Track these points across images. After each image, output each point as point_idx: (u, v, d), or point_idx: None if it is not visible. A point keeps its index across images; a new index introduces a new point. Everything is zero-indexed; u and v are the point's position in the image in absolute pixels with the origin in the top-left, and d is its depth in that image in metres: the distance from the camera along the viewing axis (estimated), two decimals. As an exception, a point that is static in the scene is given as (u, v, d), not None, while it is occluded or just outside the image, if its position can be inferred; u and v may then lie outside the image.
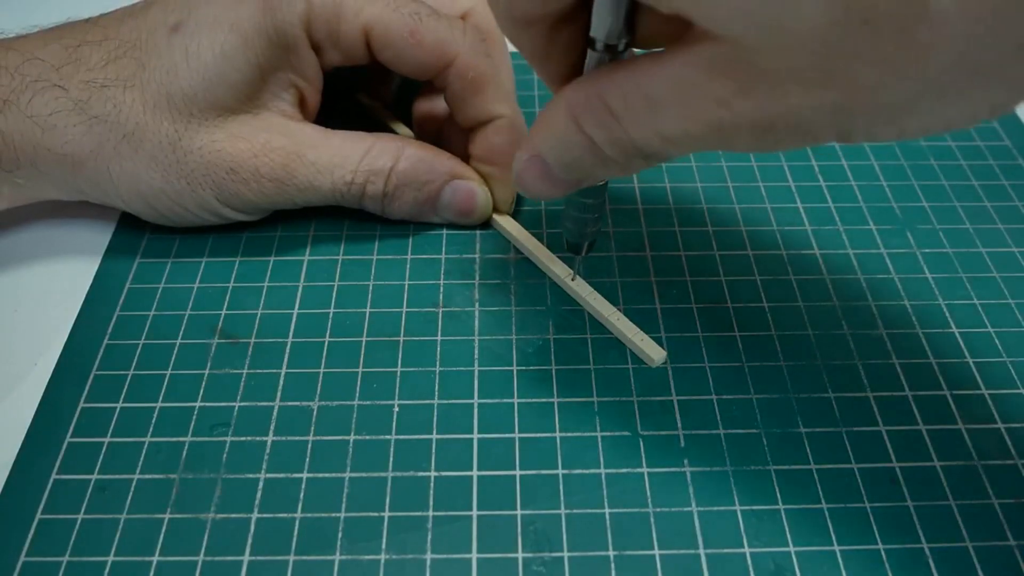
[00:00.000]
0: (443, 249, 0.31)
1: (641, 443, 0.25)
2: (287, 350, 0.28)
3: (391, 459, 0.25)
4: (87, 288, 0.30)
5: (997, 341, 0.28)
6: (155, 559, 0.23)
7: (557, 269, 0.30)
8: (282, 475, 0.25)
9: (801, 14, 0.15)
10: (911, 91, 0.16)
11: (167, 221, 0.31)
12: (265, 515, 0.24)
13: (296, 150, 0.29)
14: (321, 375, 0.27)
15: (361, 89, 0.36)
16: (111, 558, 0.23)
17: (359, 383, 0.27)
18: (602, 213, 0.26)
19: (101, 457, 0.25)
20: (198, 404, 0.26)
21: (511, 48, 0.33)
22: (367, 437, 0.26)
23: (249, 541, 0.23)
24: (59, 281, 0.31)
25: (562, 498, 0.24)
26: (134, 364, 0.27)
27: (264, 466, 0.25)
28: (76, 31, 0.29)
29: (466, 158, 0.31)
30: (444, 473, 0.25)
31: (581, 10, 0.20)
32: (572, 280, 0.29)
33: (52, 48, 0.28)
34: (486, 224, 0.32)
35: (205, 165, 0.29)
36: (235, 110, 0.29)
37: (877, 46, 0.15)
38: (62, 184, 0.30)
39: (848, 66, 0.16)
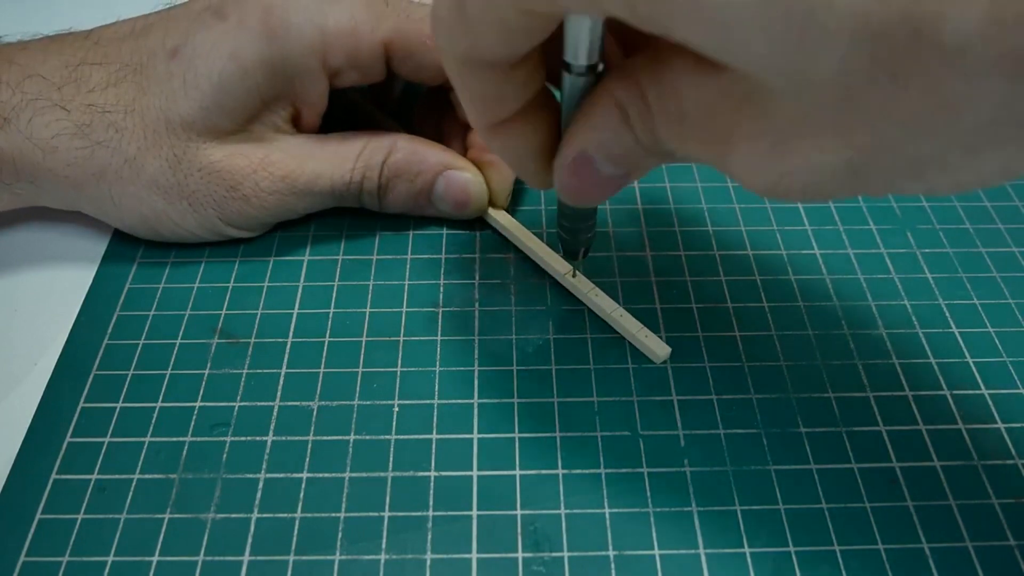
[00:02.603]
0: (443, 249, 0.31)
1: (641, 443, 0.25)
2: (287, 350, 0.28)
3: (391, 459, 0.25)
4: (87, 288, 0.30)
5: (997, 341, 0.28)
6: (155, 559, 0.23)
7: (557, 265, 0.30)
8: (282, 475, 0.25)
9: (822, 62, 0.14)
10: (940, 147, 0.15)
11: (165, 239, 0.31)
12: (265, 515, 0.24)
13: (294, 161, 0.29)
14: (321, 375, 0.27)
15: (364, 98, 0.36)
16: (111, 558, 0.23)
17: (359, 383, 0.27)
18: (595, 219, 0.26)
19: (101, 457, 0.25)
20: (198, 404, 0.26)
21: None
22: (367, 437, 0.26)
23: (249, 541, 0.23)
24: (59, 281, 0.31)
25: (562, 498, 0.24)
26: (134, 364, 0.27)
27: (264, 466, 0.25)
28: (76, 47, 0.29)
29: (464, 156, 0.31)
30: (444, 473, 0.25)
31: (538, 47, 0.19)
32: (573, 277, 0.29)
33: (52, 64, 0.28)
34: (486, 224, 0.32)
35: (206, 185, 0.29)
36: (233, 131, 0.29)
37: (905, 102, 0.14)
38: (61, 200, 0.30)
39: (870, 122, 0.15)
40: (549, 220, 0.32)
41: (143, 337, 0.28)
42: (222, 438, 0.26)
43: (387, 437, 0.26)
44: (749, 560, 0.23)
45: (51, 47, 0.29)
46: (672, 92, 0.18)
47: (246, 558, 0.23)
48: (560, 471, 0.25)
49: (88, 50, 0.29)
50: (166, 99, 0.28)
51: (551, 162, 0.22)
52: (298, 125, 0.30)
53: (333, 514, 0.24)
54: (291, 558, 0.23)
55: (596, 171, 0.21)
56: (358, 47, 0.28)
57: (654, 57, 0.18)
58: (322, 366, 0.27)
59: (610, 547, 0.23)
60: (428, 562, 0.23)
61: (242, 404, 0.26)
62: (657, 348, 0.27)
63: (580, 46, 0.19)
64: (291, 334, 0.28)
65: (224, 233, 0.30)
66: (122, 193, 0.29)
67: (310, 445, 0.25)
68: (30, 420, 0.26)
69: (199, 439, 0.25)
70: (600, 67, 0.20)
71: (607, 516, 0.24)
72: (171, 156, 0.28)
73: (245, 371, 0.27)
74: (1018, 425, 0.26)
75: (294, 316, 0.29)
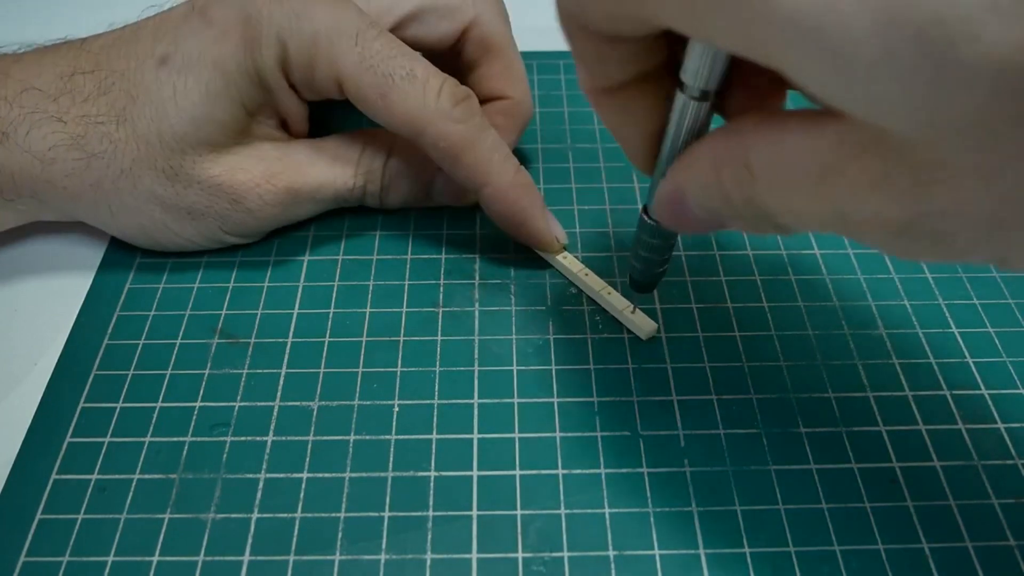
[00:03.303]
0: (443, 249, 0.31)
1: (641, 443, 0.25)
2: (287, 350, 0.28)
3: (391, 459, 0.25)
4: (87, 288, 0.30)
5: (997, 341, 0.28)
6: (155, 559, 0.23)
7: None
8: (282, 475, 0.25)
9: (961, 104, 0.13)
10: None
11: (163, 248, 0.31)
12: (265, 515, 0.24)
13: (296, 173, 0.29)
14: (321, 375, 0.27)
15: None
16: (111, 558, 0.23)
17: (359, 383, 0.27)
18: (671, 255, 0.26)
19: (101, 457, 0.25)
20: (198, 404, 0.26)
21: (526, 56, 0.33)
22: (367, 437, 0.26)
23: (249, 541, 0.23)
24: (59, 281, 0.31)
25: (562, 498, 0.24)
26: (134, 364, 0.27)
27: (264, 466, 0.25)
28: (69, 56, 0.28)
29: None
30: (444, 473, 0.25)
31: (662, 71, 0.19)
32: (588, 274, 0.29)
33: (47, 76, 0.28)
34: (486, 224, 0.32)
35: (207, 198, 0.28)
36: (227, 144, 0.28)
37: None
38: (61, 212, 0.30)
39: (1016, 168, 0.13)
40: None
41: (143, 337, 0.28)
42: (222, 438, 0.25)
43: (387, 437, 0.26)
44: (749, 560, 0.23)
45: (45, 58, 0.28)
46: (779, 154, 0.17)
47: (246, 558, 0.23)
48: (560, 471, 0.25)
49: (80, 59, 0.28)
50: (156, 110, 0.27)
51: (652, 148, 0.21)
52: (287, 130, 0.30)
53: (333, 514, 0.24)
54: (291, 558, 0.23)
55: (689, 209, 0.20)
56: (313, 72, 0.28)
57: (766, 116, 0.17)
58: (322, 366, 0.27)
59: (610, 547, 0.23)
60: (428, 562, 0.23)
61: (242, 404, 0.26)
62: (644, 324, 0.28)
63: (695, 66, 0.19)
64: (291, 334, 0.28)
65: (224, 241, 0.30)
66: (120, 204, 0.28)
67: (310, 445, 0.25)
68: (30, 420, 0.26)
69: (199, 439, 0.25)
70: (712, 95, 0.19)
71: (607, 516, 0.24)
72: (167, 168, 0.28)
73: (245, 371, 0.27)
74: (1018, 425, 0.26)
75: (294, 316, 0.29)
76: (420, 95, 0.27)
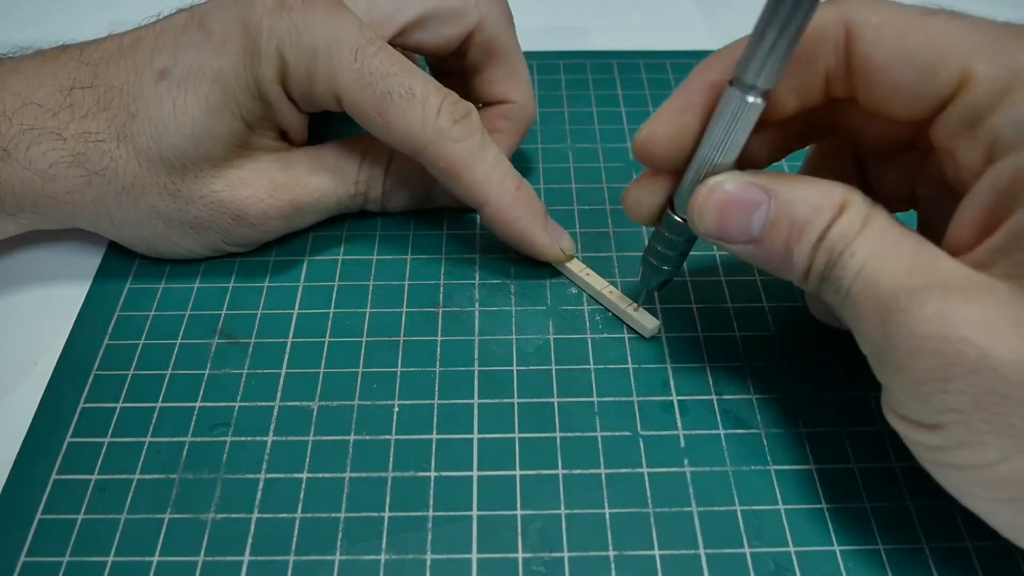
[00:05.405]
0: (443, 249, 0.31)
1: (641, 443, 0.25)
2: (287, 350, 0.28)
3: (391, 459, 0.25)
4: (87, 288, 0.30)
5: (997, 341, 0.28)
6: (155, 559, 0.23)
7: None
8: (282, 475, 0.25)
9: None
10: None
11: (163, 256, 0.31)
12: (265, 515, 0.24)
13: (298, 185, 0.29)
14: (321, 375, 0.27)
15: None
16: (111, 558, 0.23)
17: (359, 383, 0.27)
18: (686, 256, 0.26)
19: (101, 457, 0.25)
20: (198, 404, 0.26)
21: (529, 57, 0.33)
22: (367, 437, 0.26)
23: (249, 541, 0.23)
24: (59, 281, 0.31)
25: (562, 498, 0.24)
26: (134, 364, 0.28)
27: (264, 466, 0.25)
28: (69, 68, 0.28)
29: None
30: (444, 473, 0.25)
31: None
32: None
33: (47, 89, 0.27)
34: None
35: (209, 214, 0.28)
36: (228, 158, 0.28)
37: None
38: (62, 222, 0.30)
39: None
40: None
41: (143, 337, 0.28)
42: (222, 438, 0.26)
43: (387, 437, 0.26)
44: (749, 560, 0.23)
45: (44, 68, 0.28)
46: (902, 242, 0.20)
47: (246, 558, 0.23)
48: (560, 471, 0.25)
49: (79, 71, 0.28)
50: (155, 126, 0.27)
51: (686, 144, 0.23)
52: (287, 139, 0.30)
53: (333, 514, 0.24)
54: (291, 558, 0.23)
55: (751, 211, 0.22)
56: (312, 87, 0.27)
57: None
58: (322, 366, 0.27)
59: (610, 547, 0.23)
60: (428, 562, 0.23)
61: (242, 404, 0.26)
62: (646, 322, 0.28)
63: (763, 59, 0.20)
64: (291, 334, 0.28)
65: (225, 251, 0.31)
66: (122, 218, 0.28)
67: (310, 445, 0.25)
68: (30, 420, 0.26)
69: (199, 439, 0.25)
70: (763, 100, 0.21)
71: (607, 516, 0.24)
72: (169, 185, 0.28)
73: (245, 371, 0.27)
74: (1018, 425, 0.26)
75: (294, 316, 0.29)
76: (419, 114, 0.27)
